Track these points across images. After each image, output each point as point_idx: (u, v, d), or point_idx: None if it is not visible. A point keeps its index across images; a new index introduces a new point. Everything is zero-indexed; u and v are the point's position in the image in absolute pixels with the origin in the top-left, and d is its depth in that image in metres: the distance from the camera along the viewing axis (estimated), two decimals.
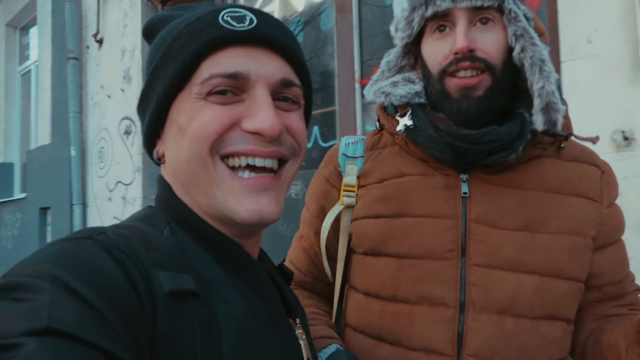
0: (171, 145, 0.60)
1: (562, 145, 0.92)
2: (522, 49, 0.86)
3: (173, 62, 0.57)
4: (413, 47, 0.98)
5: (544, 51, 0.87)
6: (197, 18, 0.58)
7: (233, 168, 0.58)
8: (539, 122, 0.85)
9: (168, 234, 0.56)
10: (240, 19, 0.58)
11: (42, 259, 0.43)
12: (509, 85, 0.90)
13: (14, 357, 0.35)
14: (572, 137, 0.93)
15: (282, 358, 0.58)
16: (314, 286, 1.09)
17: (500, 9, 0.88)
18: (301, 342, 0.64)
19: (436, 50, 0.90)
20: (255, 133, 0.56)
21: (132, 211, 4.40)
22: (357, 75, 3.04)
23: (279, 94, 0.60)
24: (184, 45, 0.57)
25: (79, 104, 5.09)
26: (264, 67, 0.58)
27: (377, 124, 1.06)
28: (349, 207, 0.99)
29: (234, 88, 0.57)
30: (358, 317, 0.97)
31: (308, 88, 0.67)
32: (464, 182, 0.91)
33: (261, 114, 0.56)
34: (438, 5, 0.87)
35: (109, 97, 4.81)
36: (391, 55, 1.02)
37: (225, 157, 0.58)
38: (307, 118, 0.70)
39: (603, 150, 1.96)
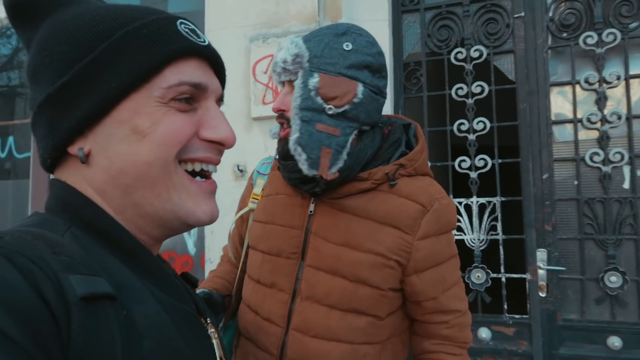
0: (117, 146, 0.56)
1: (392, 184, 1.09)
2: None
3: (134, 60, 0.55)
4: None
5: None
6: (155, 21, 0.58)
7: (187, 172, 0.60)
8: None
9: (70, 238, 0.52)
10: (195, 33, 0.61)
11: None
12: None
13: None
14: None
15: (198, 357, 0.58)
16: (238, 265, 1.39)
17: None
18: (214, 341, 0.65)
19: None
20: (216, 142, 0.60)
21: None
22: None
23: None
24: (148, 46, 0.56)
25: None
26: (214, 82, 0.62)
27: None
28: (253, 210, 1.28)
29: (192, 98, 0.59)
30: (244, 291, 1.26)
31: None
32: (312, 203, 1.14)
33: (222, 125, 0.60)
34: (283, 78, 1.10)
35: None
36: None
37: (181, 162, 0.59)
38: None
39: (226, 179, 2.46)
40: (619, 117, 2.31)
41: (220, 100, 0.65)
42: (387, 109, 2.50)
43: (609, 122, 2.32)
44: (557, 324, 2.30)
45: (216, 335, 0.66)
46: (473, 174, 2.49)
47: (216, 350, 0.64)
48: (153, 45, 0.56)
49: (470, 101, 2.52)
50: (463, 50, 2.56)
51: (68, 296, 0.43)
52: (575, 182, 2.36)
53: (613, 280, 2.25)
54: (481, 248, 2.46)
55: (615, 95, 2.35)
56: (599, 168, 2.33)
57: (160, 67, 0.56)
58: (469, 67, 2.54)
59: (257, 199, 1.28)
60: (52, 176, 0.63)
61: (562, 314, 2.31)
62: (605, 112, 2.33)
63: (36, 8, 0.59)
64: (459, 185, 2.58)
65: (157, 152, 0.56)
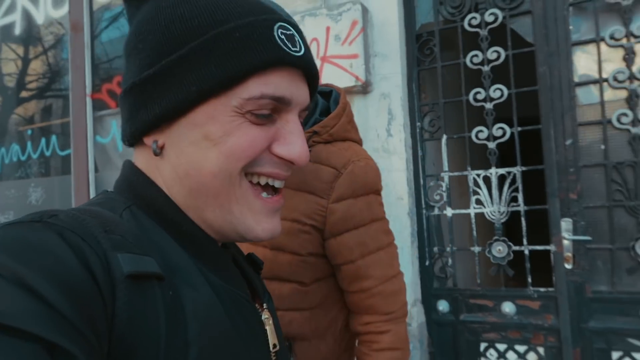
0: (187, 148, 0.55)
1: None
2: None
3: (219, 65, 0.52)
4: None
5: None
6: (251, 24, 0.54)
7: (252, 184, 0.58)
8: None
9: (128, 217, 0.53)
10: (292, 40, 0.56)
11: None
12: None
13: None
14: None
15: (247, 343, 0.56)
16: None
17: None
18: (267, 327, 0.63)
19: None
20: (287, 159, 0.57)
21: None
22: (88, 90, 3.26)
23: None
24: (235, 52, 0.52)
25: None
26: (301, 94, 0.58)
27: None
28: None
29: (273, 111, 0.56)
30: None
31: None
32: None
33: (297, 143, 0.56)
34: None
35: None
36: None
37: (247, 174, 0.57)
38: None
39: None
40: None
41: (305, 110, 0.61)
42: (399, 82, 2.44)
43: (639, 80, 2.15)
44: (585, 296, 2.19)
45: (271, 322, 0.64)
46: (491, 145, 2.39)
47: (269, 336, 0.63)
48: (241, 52, 0.52)
49: (486, 68, 2.41)
50: (477, 15, 2.44)
51: (115, 273, 0.43)
52: (602, 147, 2.21)
53: None
54: (502, 220, 2.37)
55: None
56: (627, 130, 2.16)
57: (244, 76, 0.53)
58: (483, 32, 2.42)
59: None
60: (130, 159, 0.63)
61: (590, 286, 2.19)
62: (634, 68, 2.15)
63: None
64: (478, 157, 2.49)
65: (224, 163, 0.54)
